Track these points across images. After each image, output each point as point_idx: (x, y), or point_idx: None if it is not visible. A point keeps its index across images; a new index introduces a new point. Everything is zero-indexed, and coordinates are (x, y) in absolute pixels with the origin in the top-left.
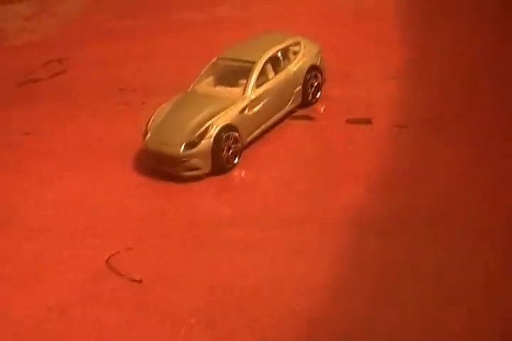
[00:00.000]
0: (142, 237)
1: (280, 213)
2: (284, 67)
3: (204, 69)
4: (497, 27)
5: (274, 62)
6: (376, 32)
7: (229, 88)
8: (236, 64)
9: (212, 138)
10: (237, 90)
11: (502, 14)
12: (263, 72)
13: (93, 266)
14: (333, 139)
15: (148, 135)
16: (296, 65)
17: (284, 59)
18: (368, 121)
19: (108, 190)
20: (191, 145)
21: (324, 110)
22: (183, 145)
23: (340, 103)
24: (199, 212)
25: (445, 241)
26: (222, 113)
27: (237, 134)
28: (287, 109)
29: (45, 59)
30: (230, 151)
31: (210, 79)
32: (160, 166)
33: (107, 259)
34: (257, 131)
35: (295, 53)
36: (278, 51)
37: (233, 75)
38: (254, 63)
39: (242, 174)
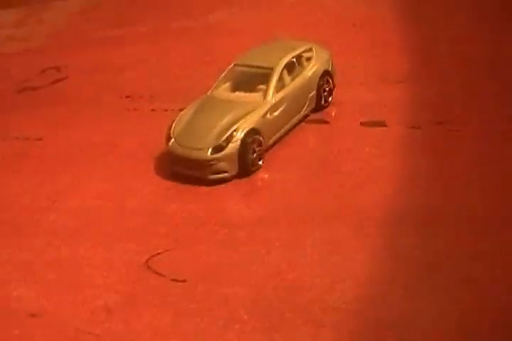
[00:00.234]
0: (177, 239)
1: (310, 212)
2: (299, 73)
3: (221, 76)
4: (497, 27)
5: (290, 68)
6: (378, 38)
7: (248, 93)
8: (253, 70)
9: (239, 142)
10: (257, 95)
11: (502, 14)
12: (280, 78)
13: (133, 268)
14: (350, 141)
15: (172, 140)
16: (311, 71)
17: (298, 65)
18: (382, 124)
19: (135, 194)
20: (218, 148)
21: (337, 114)
22: (210, 149)
23: (352, 106)
24: (229, 214)
25: (471, 234)
26: (246, 117)
27: (260, 138)
28: (303, 113)
29: (40, 67)
30: (255, 154)
31: (228, 84)
32: (185, 170)
33: (146, 261)
34: (277, 135)
35: (308, 59)
36: (294, 57)
37: (251, 81)
38: (272, 69)
39: (266, 176)
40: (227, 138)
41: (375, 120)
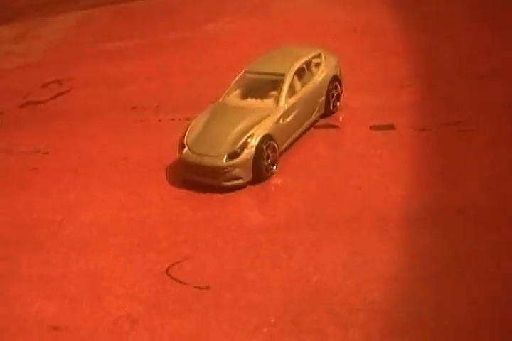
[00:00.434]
0: (196, 247)
1: (329, 216)
2: (309, 79)
3: (232, 83)
4: (499, 26)
5: (300, 74)
6: (380, 42)
7: (260, 100)
8: (264, 77)
9: (254, 148)
10: (269, 101)
11: (503, 14)
12: (291, 84)
13: (154, 277)
14: (361, 145)
15: (186, 148)
16: (320, 76)
17: (307, 70)
18: (391, 127)
19: (150, 204)
20: (233, 155)
21: (346, 118)
22: (225, 156)
23: (360, 111)
24: (247, 220)
25: (487, 231)
26: (260, 123)
27: (275, 143)
28: (313, 118)
29: (41, 81)
30: (269, 160)
31: (238, 91)
32: (200, 178)
33: (167, 270)
34: (288, 140)
35: (317, 65)
36: (304, 63)
37: (262, 88)
38: (283, 75)
39: (279, 182)
40: (242, 144)
41: (384, 123)
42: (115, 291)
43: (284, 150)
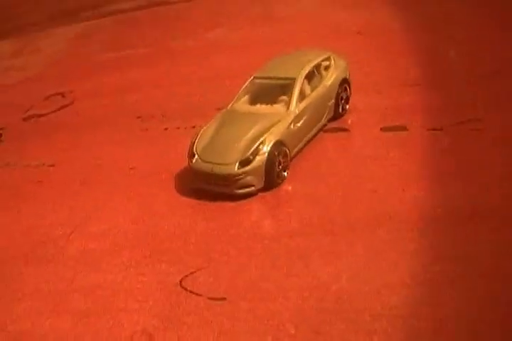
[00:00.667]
0: (210, 256)
1: (344, 220)
2: (319, 82)
3: (242, 89)
4: (503, 24)
5: (310, 78)
6: (385, 43)
7: (270, 105)
8: (274, 82)
9: (266, 155)
10: (279, 107)
11: (506, 11)
12: (301, 88)
13: (167, 289)
14: (373, 147)
15: (196, 157)
16: (330, 79)
17: (317, 74)
18: (403, 128)
19: (160, 214)
20: (245, 162)
21: (355, 121)
22: (237, 164)
23: (369, 113)
24: (261, 228)
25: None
26: (271, 129)
27: (286, 149)
28: (323, 122)
29: (43, 94)
30: (280, 166)
31: (247, 98)
32: (210, 186)
33: (180, 281)
34: (299, 145)
35: (326, 68)
36: (314, 66)
37: (271, 93)
38: (293, 79)
39: (290, 188)
40: (254, 151)
41: (394, 125)
42: (128, 305)
43: (294, 156)
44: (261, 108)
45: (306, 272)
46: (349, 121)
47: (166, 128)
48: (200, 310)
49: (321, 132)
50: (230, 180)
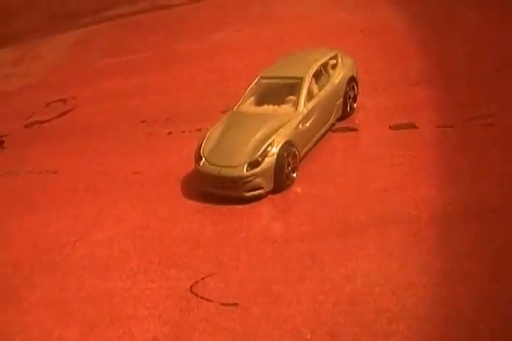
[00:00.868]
0: (220, 261)
1: (356, 221)
2: (327, 81)
3: (248, 90)
4: (507, 20)
5: (317, 77)
6: (389, 42)
7: (277, 106)
8: (281, 81)
9: (275, 156)
10: (287, 107)
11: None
12: (309, 87)
13: (177, 296)
14: (382, 146)
15: (203, 160)
16: (338, 78)
17: (324, 72)
18: (412, 126)
19: (168, 219)
20: (254, 164)
21: (363, 120)
22: (245, 166)
23: (377, 111)
24: (271, 231)
25: None
26: (280, 130)
27: (295, 150)
28: (331, 121)
29: (45, 100)
30: (289, 167)
31: (253, 99)
32: (219, 190)
33: (191, 287)
34: (308, 145)
35: (333, 67)
36: (321, 65)
37: (278, 93)
38: (301, 79)
39: (299, 190)
40: (263, 152)
41: (404, 122)
42: (138, 313)
43: (303, 156)
44: (268, 108)
45: (319, 275)
46: (357, 121)
47: (170, 132)
48: (211, 316)
49: (330, 132)
50: (238, 182)
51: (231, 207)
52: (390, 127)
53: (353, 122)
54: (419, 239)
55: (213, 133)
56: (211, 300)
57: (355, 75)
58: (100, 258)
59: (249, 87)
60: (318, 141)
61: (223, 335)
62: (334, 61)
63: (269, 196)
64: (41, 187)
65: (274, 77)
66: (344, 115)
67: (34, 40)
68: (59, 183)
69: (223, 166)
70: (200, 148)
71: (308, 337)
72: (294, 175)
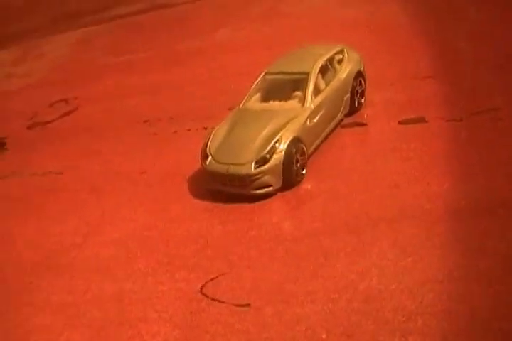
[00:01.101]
0: (230, 261)
1: (368, 217)
2: (334, 76)
3: (253, 86)
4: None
5: (323, 72)
6: (394, 37)
7: (283, 102)
8: (287, 77)
9: (283, 153)
10: (293, 102)
11: None
12: (316, 82)
13: (188, 297)
14: (392, 141)
15: (210, 158)
16: (344, 73)
17: (331, 67)
18: (421, 120)
19: (176, 219)
20: (262, 161)
21: (372, 115)
22: (253, 163)
23: (385, 106)
24: (282, 228)
25: None
26: (287, 126)
27: (303, 146)
28: (339, 117)
29: (47, 101)
30: (298, 164)
31: (259, 95)
32: (227, 188)
33: (201, 288)
34: (317, 142)
35: (339, 61)
36: (327, 60)
37: (284, 89)
38: (307, 74)
39: (309, 186)
40: (270, 149)
41: (413, 117)
42: (147, 315)
43: (312, 152)
44: (274, 105)
45: (332, 272)
46: (365, 116)
47: (175, 131)
48: (223, 317)
49: (338, 127)
50: (246, 180)
51: (240, 205)
52: (400, 122)
53: (362, 117)
54: (433, 233)
55: (219, 131)
56: (223, 301)
57: (362, 70)
58: (107, 260)
59: (255, 83)
60: (327, 137)
61: (236, 337)
62: (340, 56)
63: (279, 193)
64: (45, 189)
65: (280, 73)
66: (352, 110)
67: (35, 40)
68: (64, 184)
69: (231, 164)
70: (206, 147)
71: (324, 337)
72: (304, 171)
